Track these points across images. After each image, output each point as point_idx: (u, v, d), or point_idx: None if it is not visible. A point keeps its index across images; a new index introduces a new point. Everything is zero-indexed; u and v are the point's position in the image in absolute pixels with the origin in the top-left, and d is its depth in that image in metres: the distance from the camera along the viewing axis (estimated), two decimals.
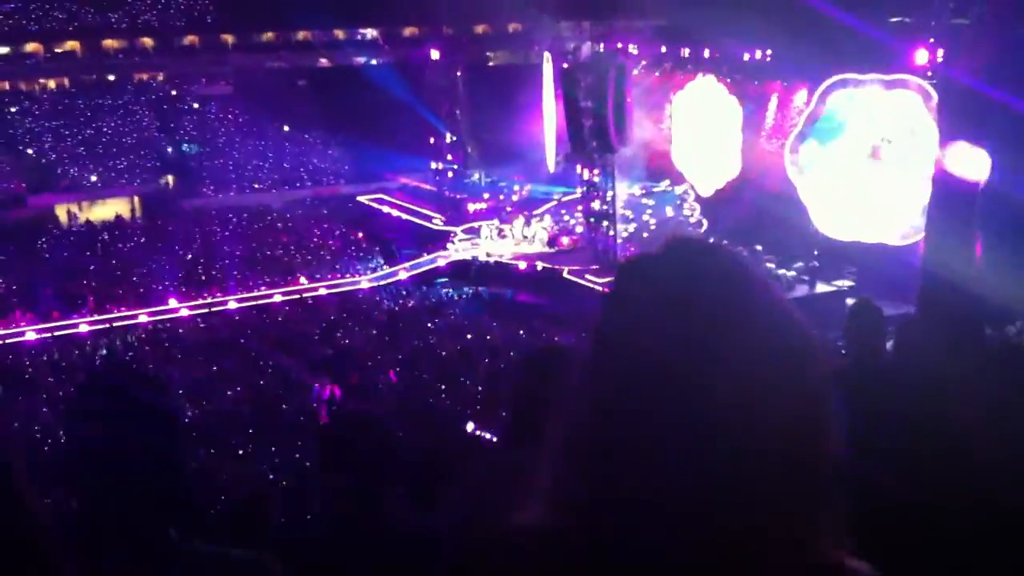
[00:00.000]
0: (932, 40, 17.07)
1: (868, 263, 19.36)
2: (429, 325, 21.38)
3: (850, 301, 15.71)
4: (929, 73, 17.50)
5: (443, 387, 16.18)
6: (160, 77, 38.73)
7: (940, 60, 16.35)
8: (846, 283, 20.39)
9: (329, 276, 24.71)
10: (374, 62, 38.33)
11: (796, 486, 1.26)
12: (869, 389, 3.94)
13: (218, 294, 23.23)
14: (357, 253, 26.46)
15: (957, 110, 12.75)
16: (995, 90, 10.80)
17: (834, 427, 1.32)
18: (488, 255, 26.00)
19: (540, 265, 24.73)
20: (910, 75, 18.45)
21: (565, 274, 23.89)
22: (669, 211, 27.86)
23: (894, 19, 18.40)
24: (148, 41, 38.62)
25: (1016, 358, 3.47)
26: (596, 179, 25.40)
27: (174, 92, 38.24)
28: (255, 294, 23.28)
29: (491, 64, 38.89)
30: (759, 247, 22.54)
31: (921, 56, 17.11)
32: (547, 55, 27.96)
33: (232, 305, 22.85)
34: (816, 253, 21.24)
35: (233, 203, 32.98)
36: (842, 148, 19.39)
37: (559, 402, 1.36)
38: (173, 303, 22.64)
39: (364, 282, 24.53)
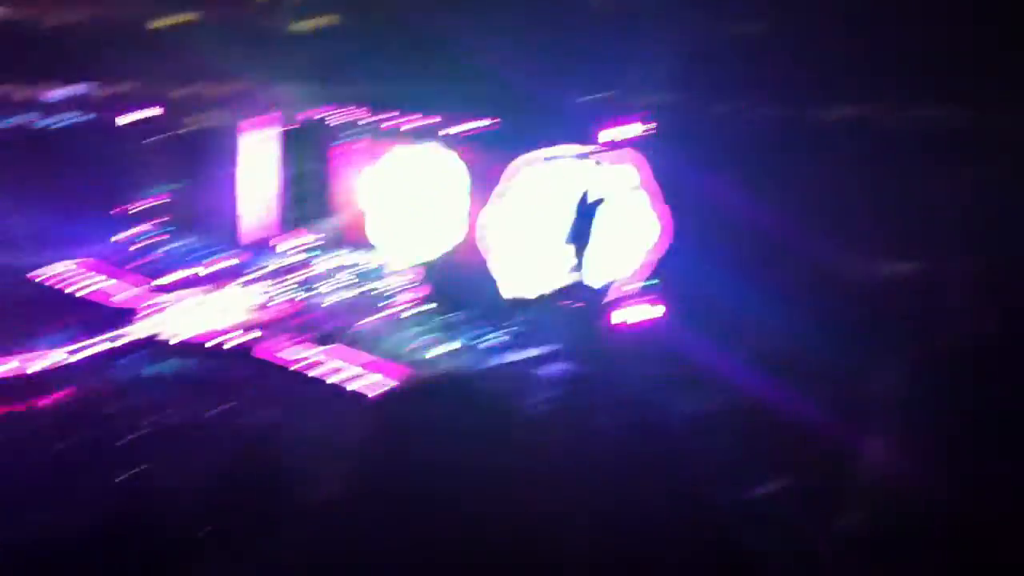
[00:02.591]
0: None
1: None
2: (114, 410, 20.07)
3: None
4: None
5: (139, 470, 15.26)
6: None
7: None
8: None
9: None
10: (55, 126, 35.87)
11: None
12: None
13: None
14: (31, 333, 24.25)
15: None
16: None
17: None
18: (181, 328, 24.73)
19: (237, 338, 23.81)
20: (613, 147, 19.30)
21: (261, 347, 23.17)
22: (370, 283, 27.70)
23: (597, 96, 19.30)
24: None
25: None
26: (296, 249, 25.00)
27: None
28: None
29: (187, 129, 37.38)
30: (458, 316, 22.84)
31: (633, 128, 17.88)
32: (248, 121, 27.26)
33: None
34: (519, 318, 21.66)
35: None
36: (531, 220, 19.93)
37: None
38: None
39: (39, 364, 22.49)
